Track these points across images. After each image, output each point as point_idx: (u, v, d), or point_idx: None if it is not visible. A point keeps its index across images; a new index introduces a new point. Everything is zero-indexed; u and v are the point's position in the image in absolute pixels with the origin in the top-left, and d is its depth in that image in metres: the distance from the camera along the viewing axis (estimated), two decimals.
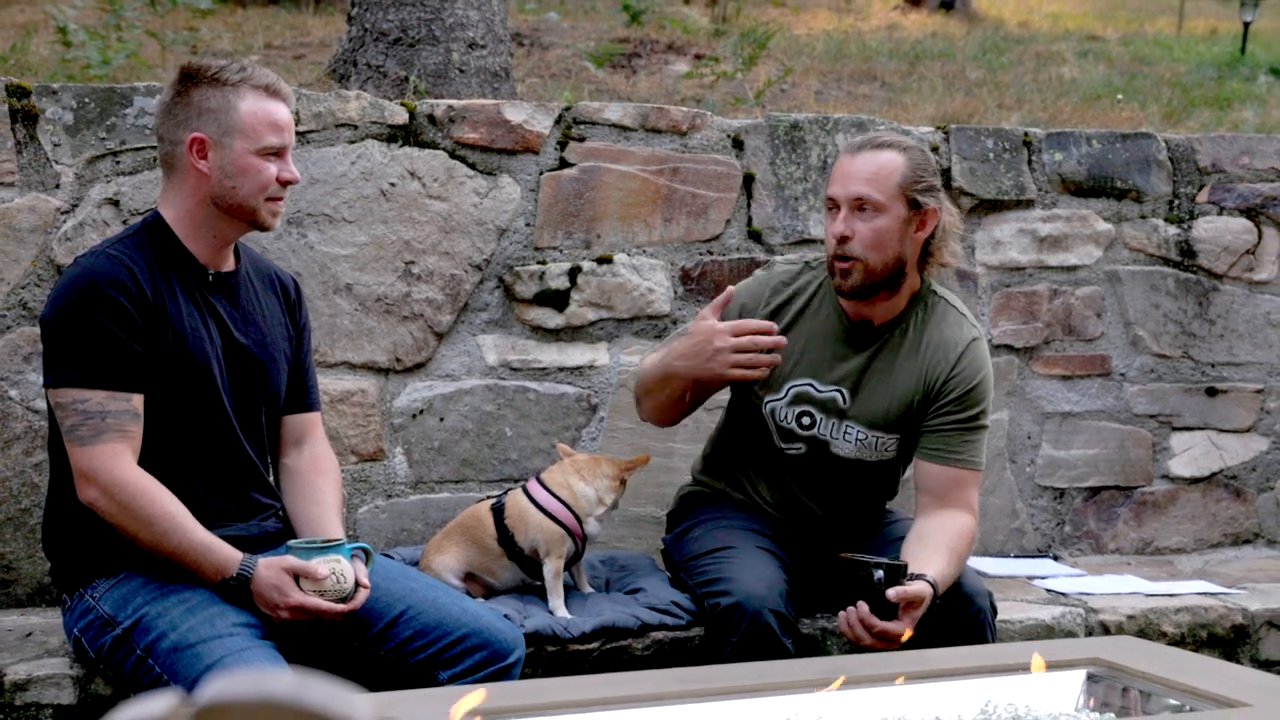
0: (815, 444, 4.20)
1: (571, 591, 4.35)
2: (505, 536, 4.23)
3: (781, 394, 4.17)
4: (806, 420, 4.18)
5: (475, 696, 2.76)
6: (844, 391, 4.14)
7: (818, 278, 4.23)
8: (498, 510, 4.26)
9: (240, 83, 3.59)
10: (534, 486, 4.27)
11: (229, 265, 3.75)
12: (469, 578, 4.27)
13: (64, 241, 4.44)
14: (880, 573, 3.65)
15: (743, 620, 3.86)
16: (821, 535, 4.28)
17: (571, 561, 4.32)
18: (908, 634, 3.65)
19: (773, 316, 4.14)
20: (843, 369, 4.15)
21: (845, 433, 4.18)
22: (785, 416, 4.18)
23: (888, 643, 3.64)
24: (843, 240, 4.01)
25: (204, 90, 3.59)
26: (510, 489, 4.37)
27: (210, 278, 3.68)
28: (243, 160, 3.58)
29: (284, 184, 3.65)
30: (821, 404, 4.16)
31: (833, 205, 4.07)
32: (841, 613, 3.71)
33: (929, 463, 4.13)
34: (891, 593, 3.64)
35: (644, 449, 4.87)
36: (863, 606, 3.65)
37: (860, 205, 4.00)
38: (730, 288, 4.09)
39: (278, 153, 3.62)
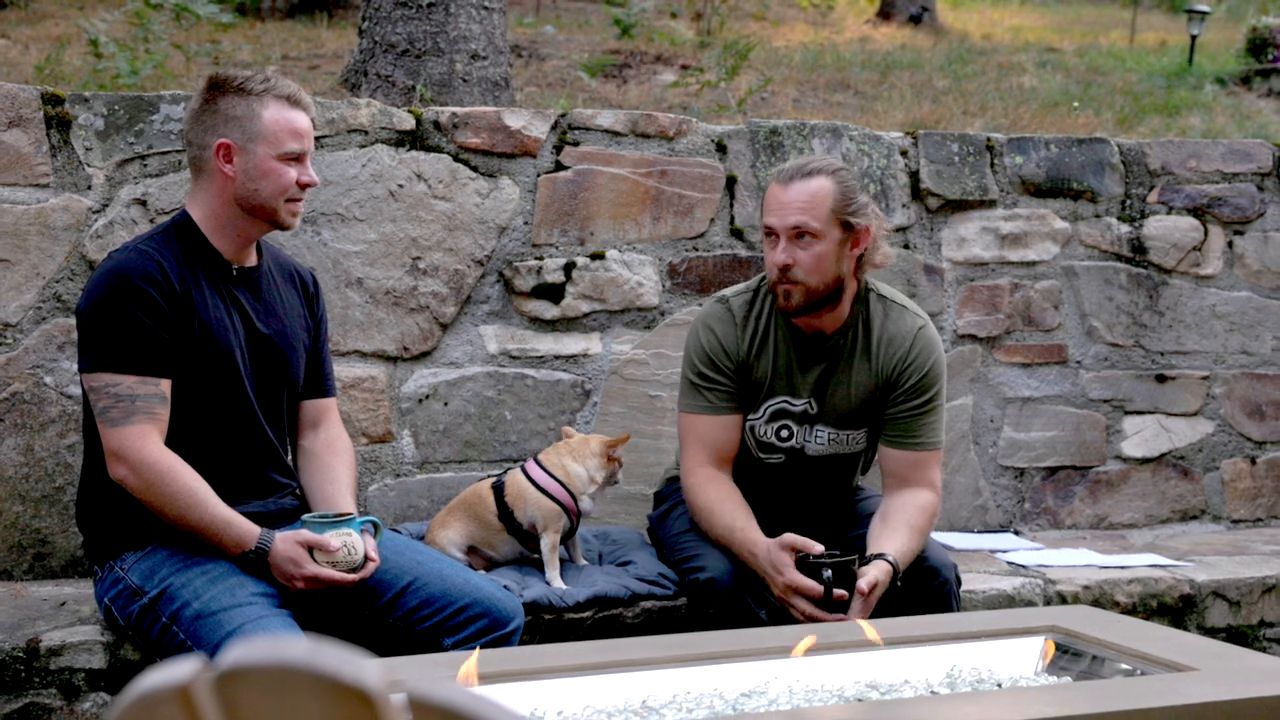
0: (792, 452, 4.20)
1: (567, 564, 4.36)
2: (505, 513, 4.24)
3: (760, 413, 4.16)
4: (785, 433, 4.17)
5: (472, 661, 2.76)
6: (812, 400, 4.14)
7: (770, 299, 4.16)
8: (498, 488, 4.27)
9: (264, 92, 3.59)
10: (532, 467, 4.27)
11: (252, 261, 3.75)
12: (471, 551, 4.28)
13: (95, 239, 4.43)
14: (829, 572, 3.72)
15: (719, 593, 3.88)
16: (796, 514, 4.27)
17: (567, 536, 4.32)
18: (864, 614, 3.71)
19: (749, 351, 4.11)
20: (809, 379, 4.12)
21: (816, 435, 4.17)
22: (765, 433, 4.17)
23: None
24: (785, 268, 3.97)
25: (230, 99, 3.59)
26: (510, 469, 4.37)
27: (234, 272, 3.68)
28: (265, 164, 3.58)
29: (303, 187, 3.65)
30: (796, 416, 4.15)
31: (771, 234, 4.01)
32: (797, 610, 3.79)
33: (891, 448, 4.14)
34: (836, 592, 3.70)
35: (633, 431, 4.89)
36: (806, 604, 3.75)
37: (798, 234, 3.95)
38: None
39: (298, 158, 3.62)
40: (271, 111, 3.59)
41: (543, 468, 4.25)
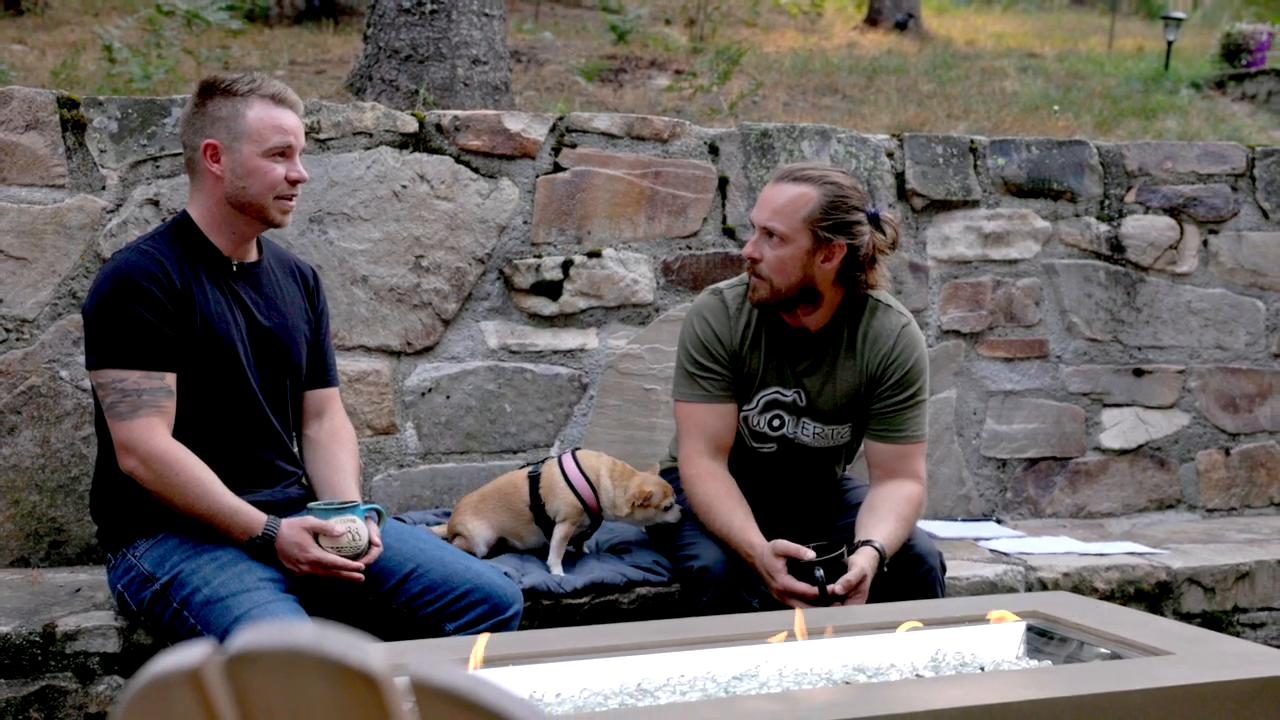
0: (783, 441, 4.19)
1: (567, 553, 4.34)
2: (536, 503, 4.20)
3: (754, 404, 4.15)
4: (777, 422, 4.16)
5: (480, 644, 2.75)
6: (801, 392, 4.13)
7: None
8: (534, 479, 4.23)
9: (249, 93, 3.59)
10: (568, 460, 4.21)
11: (252, 256, 3.75)
12: (499, 543, 4.24)
13: (109, 238, 4.43)
14: (820, 571, 3.70)
15: (711, 581, 3.87)
16: (788, 502, 4.27)
17: (582, 537, 4.29)
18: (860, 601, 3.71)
19: (742, 341, 4.09)
20: (796, 372, 4.12)
21: (803, 428, 4.16)
22: (758, 423, 4.16)
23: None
24: (754, 261, 3.98)
25: (218, 101, 3.59)
26: (547, 459, 4.33)
27: (234, 268, 3.67)
28: (251, 163, 3.57)
29: (292, 183, 3.64)
30: (788, 406, 4.14)
31: (754, 226, 4.02)
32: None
33: (877, 442, 4.11)
34: (833, 587, 3.68)
35: (629, 423, 4.89)
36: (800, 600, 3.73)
37: (768, 233, 3.95)
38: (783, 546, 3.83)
39: (284, 153, 3.61)
40: (256, 111, 3.59)
41: (579, 466, 4.21)
